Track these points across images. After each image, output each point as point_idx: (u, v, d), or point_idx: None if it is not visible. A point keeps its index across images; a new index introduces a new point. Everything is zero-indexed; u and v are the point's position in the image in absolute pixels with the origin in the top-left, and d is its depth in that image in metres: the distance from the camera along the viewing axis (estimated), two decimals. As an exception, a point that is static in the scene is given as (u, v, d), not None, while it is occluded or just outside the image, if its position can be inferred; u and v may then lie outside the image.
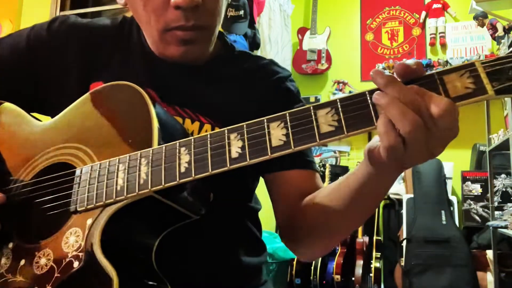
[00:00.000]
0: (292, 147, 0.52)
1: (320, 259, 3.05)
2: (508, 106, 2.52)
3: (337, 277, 2.99)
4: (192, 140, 0.57)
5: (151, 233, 0.64)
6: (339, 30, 4.05)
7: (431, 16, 3.80)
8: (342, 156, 3.83)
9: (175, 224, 0.64)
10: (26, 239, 0.65)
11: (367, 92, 0.51)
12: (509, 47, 2.52)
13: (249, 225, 0.83)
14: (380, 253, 3.18)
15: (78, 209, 0.61)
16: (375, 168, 0.57)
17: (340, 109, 0.51)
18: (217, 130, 0.57)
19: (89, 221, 0.59)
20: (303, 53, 3.99)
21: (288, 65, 3.83)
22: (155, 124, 0.61)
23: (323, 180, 3.34)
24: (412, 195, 3.15)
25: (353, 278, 2.96)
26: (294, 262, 3.13)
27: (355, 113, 0.50)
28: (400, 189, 3.33)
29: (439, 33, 3.74)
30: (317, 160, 3.74)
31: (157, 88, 0.76)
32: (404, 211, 3.14)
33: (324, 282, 3.05)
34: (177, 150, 0.57)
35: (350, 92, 3.78)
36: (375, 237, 3.23)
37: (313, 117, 0.52)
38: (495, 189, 2.90)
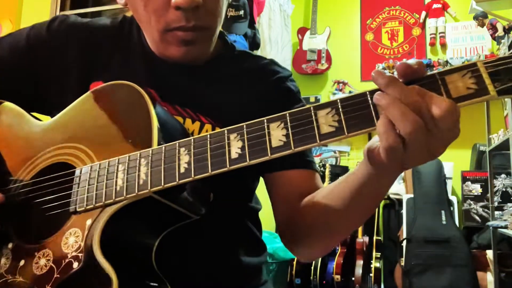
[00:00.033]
0: (292, 148, 0.51)
1: (320, 259, 3.05)
2: (508, 106, 2.52)
3: (337, 277, 2.99)
4: (192, 140, 0.57)
5: (151, 233, 0.63)
6: (339, 30, 4.05)
7: (431, 16, 3.80)
8: (342, 156, 3.83)
9: (175, 224, 0.64)
10: (26, 240, 0.65)
11: (367, 93, 0.50)
12: (509, 47, 2.52)
13: (249, 225, 0.83)
14: (380, 253, 3.18)
15: (78, 210, 0.61)
16: (375, 168, 0.56)
17: (340, 109, 0.51)
18: (217, 130, 0.57)
19: (89, 222, 0.59)
20: (303, 53, 3.99)
21: (288, 65, 3.83)
22: (155, 124, 0.61)
23: (323, 180, 3.33)
24: (412, 195, 3.15)
25: (353, 278, 2.96)
26: (294, 262, 3.13)
27: (356, 113, 0.50)
28: (400, 189, 3.33)
29: (439, 33, 3.74)
30: (317, 160, 3.74)
31: (157, 88, 0.76)
32: (404, 211, 3.14)
33: (324, 282, 3.05)
34: (177, 151, 0.57)
35: (350, 92, 3.78)
36: (375, 237, 3.23)
37: (314, 117, 0.51)
38: (495, 189, 2.90)
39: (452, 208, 3.04)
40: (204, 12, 0.70)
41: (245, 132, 0.54)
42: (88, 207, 0.60)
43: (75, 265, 0.57)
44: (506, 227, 2.41)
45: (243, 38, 2.78)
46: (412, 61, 0.50)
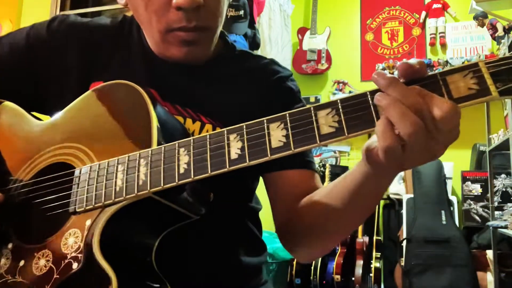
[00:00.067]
0: (292, 149, 0.51)
1: (320, 259, 3.05)
2: (508, 106, 2.52)
3: (337, 277, 2.99)
4: (192, 140, 0.56)
5: (150, 234, 0.63)
6: (339, 30, 4.04)
7: (431, 16, 3.80)
8: (342, 156, 3.83)
9: (175, 224, 0.64)
10: (26, 240, 0.65)
11: (368, 93, 0.50)
12: (509, 47, 2.52)
13: (250, 225, 0.83)
14: (380, 253, 3.18)
15: (77, 210, 0.61)
16: (373, 168, 0.56)
17: (340, 110, 0.50)
18: (217, 130, 0.56)
19: (88, 222, 0.59)
20: (303, 53, 3.99)
21: (288, 65, 3.82)
22: (155, 124, 0.60)
23: (323, 180, 3.33)
24: (412, 195, 3.14)
25: (353, 278, 2.96)
26: (294, 262, 3.13)
27: (356, 114, 0.50)
28: (400, 189, 3.33)
29: (439, 33, 3.74)
30: (317, 160, 3.74)
31: (157, 88, 0.76)
32: (404, 211, 3.14)
33: (324, 282, 3.05)
34: (176, 151, 0.57)
35: (350, 92, 3.78)
36: (375, 237, 3.23)
37: (314, 118, 0.51)
38: (495, 189, 2.90)
39: (452, 208, 3.04)
40: (205, 12, 0.70)
41: (245, 132, 0.54)
42: (88, 207, 0.60)
43: (75, 265, 0.57)
44: (506, 227, 2.41)
45: (243, 38, 2.78)
46: (413, 60, 0.49)
